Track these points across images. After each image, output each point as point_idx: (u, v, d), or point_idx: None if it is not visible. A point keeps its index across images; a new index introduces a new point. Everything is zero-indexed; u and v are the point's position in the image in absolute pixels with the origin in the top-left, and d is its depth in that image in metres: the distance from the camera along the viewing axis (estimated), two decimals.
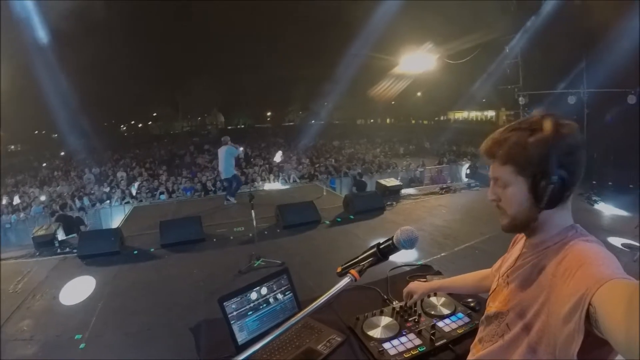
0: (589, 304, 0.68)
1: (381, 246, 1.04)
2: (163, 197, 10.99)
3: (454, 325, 1.47)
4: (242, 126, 37.23)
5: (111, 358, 3.12)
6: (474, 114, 29.68)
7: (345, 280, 0.96)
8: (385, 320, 1.52)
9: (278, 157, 13.29)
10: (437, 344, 1.36)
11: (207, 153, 17.82)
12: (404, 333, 1.43)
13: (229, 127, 35.24)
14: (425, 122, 31.30)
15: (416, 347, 1.35)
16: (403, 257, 1.85)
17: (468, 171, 11.31)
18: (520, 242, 1.05)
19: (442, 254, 4.98)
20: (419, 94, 27.17)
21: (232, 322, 1.46)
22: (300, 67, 24.02)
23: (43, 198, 11.32)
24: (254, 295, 1.55)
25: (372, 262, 1.02)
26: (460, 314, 1.54)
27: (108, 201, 10.74)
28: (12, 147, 25.33)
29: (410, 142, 22.42)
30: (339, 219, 6.64)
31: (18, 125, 18.10)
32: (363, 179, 11.34)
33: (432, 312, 1.56)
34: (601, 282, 0.69)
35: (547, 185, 0.84)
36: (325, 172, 13.32)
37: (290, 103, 34.65)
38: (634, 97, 7.47)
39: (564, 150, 0.84)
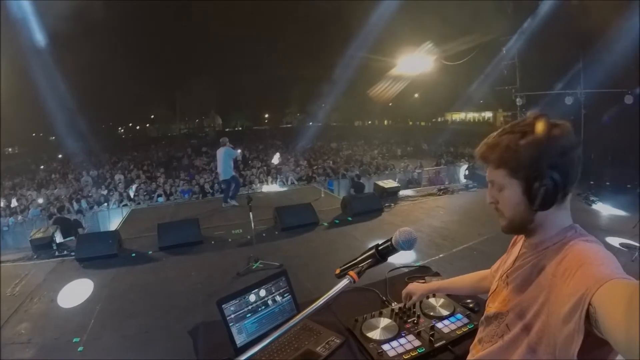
0: (589, 304, 0.68)
1: (380, 247, 1.03)
2: (161, 199, 10.98)
3: (453, 326, 1.46)
4: (240, 128, 37.30)
5: None
6: (471, 115, 29.84)
7: (344, 281, 0.95)
8: (384, 321, 1.52)
9: (276, 159, 13.31)
10: (437, 345, 1.36)
11: (205, 155, 17.80)
12: (403, 334, 1.43)
13: (227, 130, 35.27)
14: (423, 123, 31.45)
15: (415, 348, 1.35)
16: (401, 258, 1.85)
17: (466, 172, 11.31)
18: (519, 242, 1.05)
19: (441, 255, 4.98)
20: (416, 95, 27.25)
21: (230, 324, 1.45)
22: (300, 67, 24.22)
23: (41, 201, 11.30)
24: (252, 298, 1.55)
25: (370, 263, 1.02)
26: (459, 315, 1.54)
27: (106, 204, 10.71)
28: (10, 149, 25.25)
29: (408, 144, 22.47)
30: (337, 221, 6.63)
31: (15, 127, 17.98)
32: (361, 181, 11.34)
33: (431, 313, 1.56)
34: (601, 282, 0.69)
35: (540, 187, 0.84)
36: (323, 174, 13.32)
37: (288, 105, 34.72)
38: (631, 97, 7.51)
39: (556, 151, 0.84)
